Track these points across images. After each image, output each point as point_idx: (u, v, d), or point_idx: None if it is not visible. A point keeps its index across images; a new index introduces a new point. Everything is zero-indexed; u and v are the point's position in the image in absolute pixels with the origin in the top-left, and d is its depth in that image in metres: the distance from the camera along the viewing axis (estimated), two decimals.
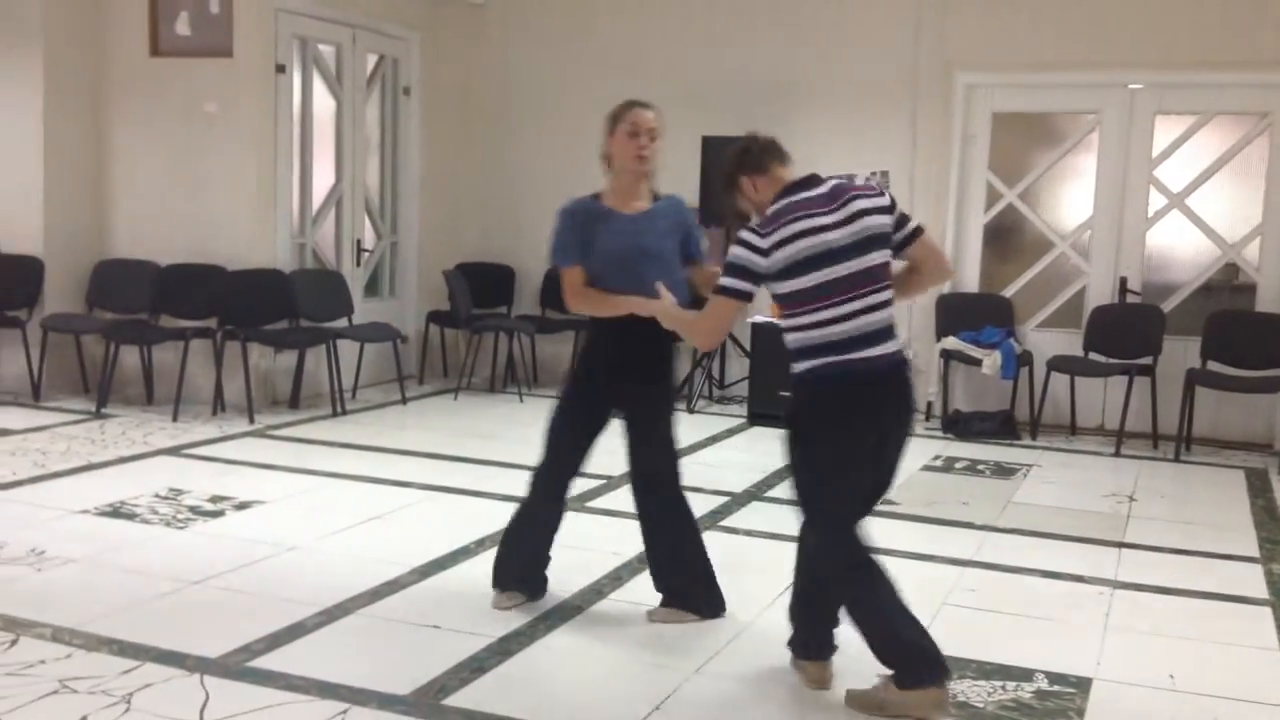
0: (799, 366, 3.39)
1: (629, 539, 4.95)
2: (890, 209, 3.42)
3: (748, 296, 3.41)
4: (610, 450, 4.09)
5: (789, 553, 4.87)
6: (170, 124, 7.61)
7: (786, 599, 4.30)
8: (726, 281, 3.40)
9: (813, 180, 3.44)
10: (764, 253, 3.33)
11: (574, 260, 3.95)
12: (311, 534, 4.92)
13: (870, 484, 3.48)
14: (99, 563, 4.46)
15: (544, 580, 4.21)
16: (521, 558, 4.17)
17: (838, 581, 3.48)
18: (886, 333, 3.38)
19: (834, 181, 3.45)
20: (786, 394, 3.52)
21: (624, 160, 3.94)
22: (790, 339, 3.40)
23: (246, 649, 3.67)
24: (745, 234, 3.38)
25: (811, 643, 3.62)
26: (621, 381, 3.98)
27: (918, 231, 3.48)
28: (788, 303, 3.38)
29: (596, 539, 4.96)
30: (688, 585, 4.10)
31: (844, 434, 3.37)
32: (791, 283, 3.33)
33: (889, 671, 3.39)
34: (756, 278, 3.37)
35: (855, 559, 3.42)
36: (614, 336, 3.94)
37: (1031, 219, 8.08)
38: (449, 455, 6.44)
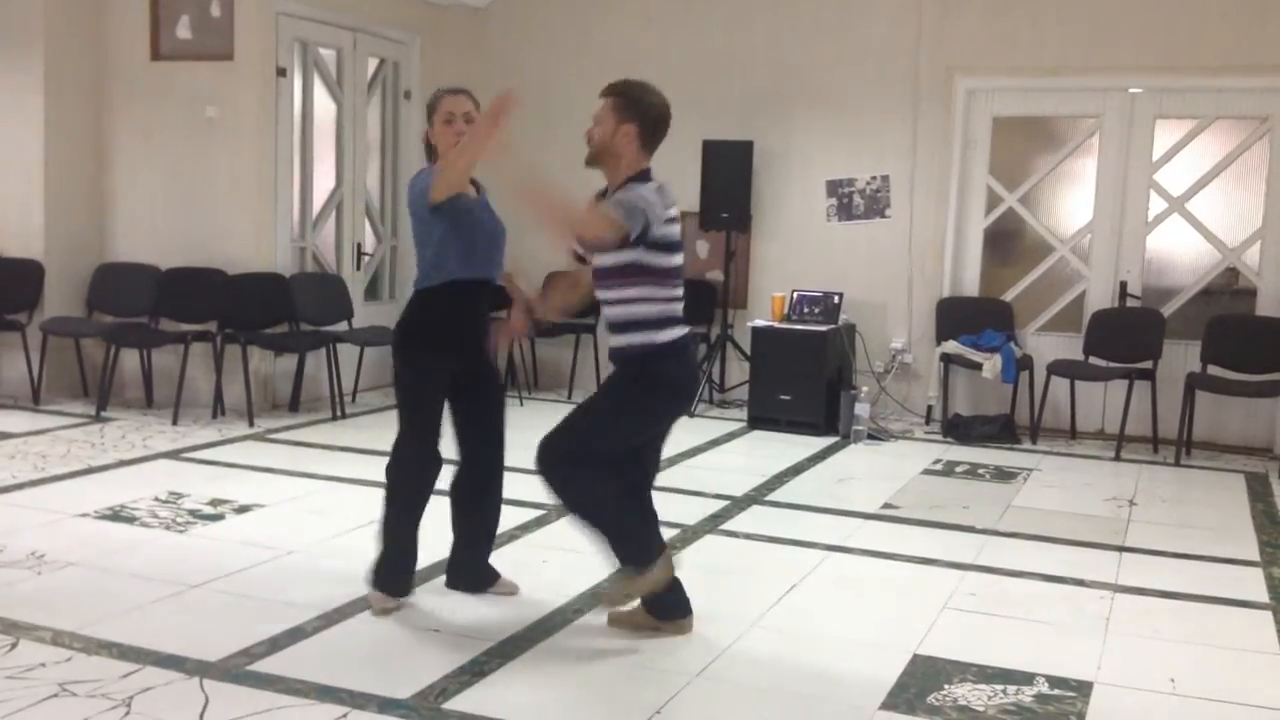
0: (663, 336, 3.58)
1: None
2: None
3: (626, 239, 3.46)
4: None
5: (791, 556, 4.91)
6: (171, 128, 7.62)
7: (789, 602, 4.33)
8: (623, 219, 3.44)
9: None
10: (662, 221, 3.49)
11: None
12: (311, 538, 4.92)
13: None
14: (99, 566, 4.46)
15: None
16: None
17: (568, 482, 3.67)
18: None
19: None
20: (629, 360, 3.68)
21: (444, 147, 4.18)
22: (648, 309, 3.57)
23: (247, 652, 3.67)
24: (652, 195, 3.47)
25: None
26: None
27: None
28: (658, 274, 3.53)
29: None
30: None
31: (674, 401, 3.69)
32: (663, 257, 3.52)
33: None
34: (646, 233, 3.46)
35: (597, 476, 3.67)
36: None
37: (1032, 223, 8.08)
38: (448, 459, 6.41)
